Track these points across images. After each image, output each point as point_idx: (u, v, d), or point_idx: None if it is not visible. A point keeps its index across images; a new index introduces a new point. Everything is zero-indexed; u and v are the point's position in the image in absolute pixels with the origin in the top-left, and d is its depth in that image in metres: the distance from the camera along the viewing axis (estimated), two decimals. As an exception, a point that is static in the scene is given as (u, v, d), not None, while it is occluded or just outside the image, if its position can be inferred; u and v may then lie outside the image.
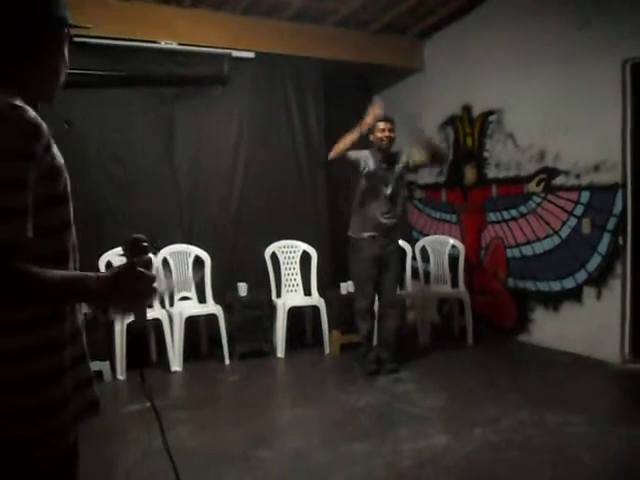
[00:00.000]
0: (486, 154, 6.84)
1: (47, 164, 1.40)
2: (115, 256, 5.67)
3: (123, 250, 1.50)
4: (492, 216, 6.79)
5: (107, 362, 5.49)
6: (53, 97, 1.61)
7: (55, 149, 1.46)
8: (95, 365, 5.31)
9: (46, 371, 1.44)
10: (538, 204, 6.22)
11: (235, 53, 6.42)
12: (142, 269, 1.46)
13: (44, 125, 1.40)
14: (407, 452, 3.86)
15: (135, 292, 1.47)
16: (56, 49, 1.57)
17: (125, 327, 5.41)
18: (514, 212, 6.50)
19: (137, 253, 1.50)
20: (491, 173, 6.79)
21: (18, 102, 1.38)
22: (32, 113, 1.38)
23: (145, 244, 1.51)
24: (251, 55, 6.51)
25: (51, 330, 1.45)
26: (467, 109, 7.05)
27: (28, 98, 1.48)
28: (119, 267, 1.48)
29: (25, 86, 1.49)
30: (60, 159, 1.48)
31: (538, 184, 6.21)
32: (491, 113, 6.72)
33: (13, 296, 1.32)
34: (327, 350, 6.31)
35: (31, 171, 1.34)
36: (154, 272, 1.51)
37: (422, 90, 7.60)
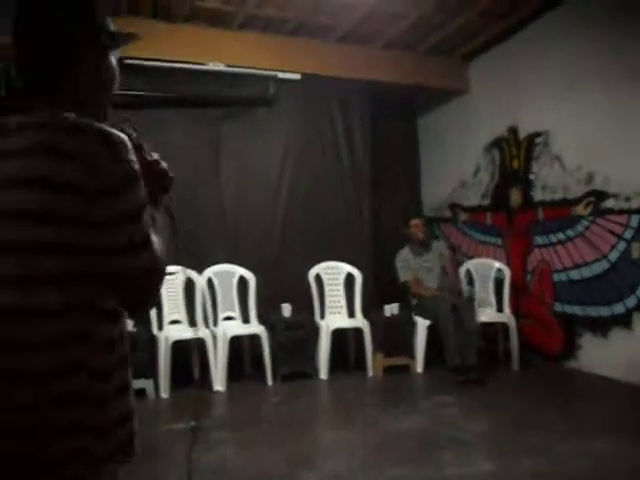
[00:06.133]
0: (532, 176, 6.75)
1: None
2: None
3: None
4: (539, 239, 6.68)
5: (151, 380, 5.52)
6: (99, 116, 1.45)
7: None
8: (139, 383, 5.35)
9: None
10: (586, 227, 6.10)
11: (281, 75, 6.49)
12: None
13: None
14: (451, 478, 3.80)
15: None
16: (91, 63, 1.44)
17: (170, 345, 5.45)
18: (561, 235, 6.38)
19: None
20: (537, 196, 6.69)
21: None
22: None
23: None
24: (297, 77, 6.57)
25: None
26: (513, 131, 6.98)
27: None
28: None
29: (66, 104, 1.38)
30: None
31: (586, 207, 6.10)
32: (538, 135, 6.64)
33: None
34: (370, 373, 6.26)
35: None
36: None
37: (468, 112, 7.57)
